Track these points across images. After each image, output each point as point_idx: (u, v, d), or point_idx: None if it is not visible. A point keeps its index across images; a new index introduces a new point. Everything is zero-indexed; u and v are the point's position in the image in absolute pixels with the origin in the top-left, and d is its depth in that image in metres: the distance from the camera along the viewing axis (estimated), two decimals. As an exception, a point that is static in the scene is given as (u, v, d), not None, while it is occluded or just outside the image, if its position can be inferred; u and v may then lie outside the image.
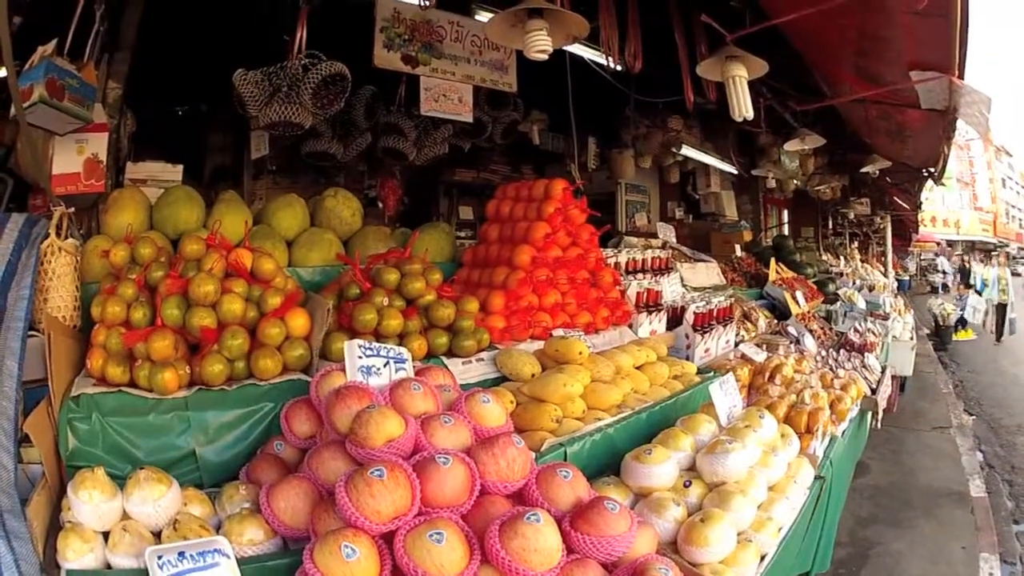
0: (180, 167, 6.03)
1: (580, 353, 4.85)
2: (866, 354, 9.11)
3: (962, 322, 23.78)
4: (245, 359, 4.09)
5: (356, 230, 5.97)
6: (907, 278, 45.98)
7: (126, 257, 4.34)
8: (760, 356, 6.84)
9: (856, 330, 10.17)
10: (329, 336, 4.45)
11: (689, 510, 3.87)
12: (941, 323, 23.11)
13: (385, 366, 3.71)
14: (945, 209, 63.30)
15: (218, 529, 3.10)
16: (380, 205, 11.11)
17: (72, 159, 4.98)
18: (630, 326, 6.41)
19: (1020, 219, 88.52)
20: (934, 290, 45.37)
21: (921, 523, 7.89)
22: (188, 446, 3.75)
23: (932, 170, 14.42)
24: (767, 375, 6.55)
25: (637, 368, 5.40)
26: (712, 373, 6.07)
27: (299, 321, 4.30)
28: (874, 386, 8.14)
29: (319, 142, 8.55)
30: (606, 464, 4.32)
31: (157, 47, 6.90)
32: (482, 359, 5.00)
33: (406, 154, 9.03)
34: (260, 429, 3.95)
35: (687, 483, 4.06)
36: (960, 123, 8.74)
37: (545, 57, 5.15)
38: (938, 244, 59.94)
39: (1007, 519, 8.43)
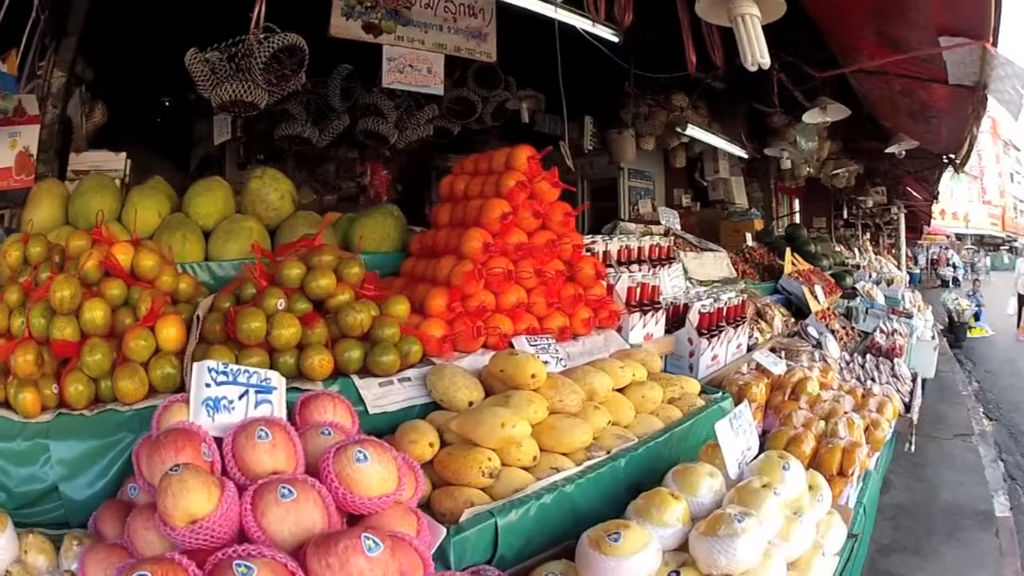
0: (123, 155, 5.71)
1: (533, 376, 3.64)
2: (895, 360, 8.28)
3: (976, 317, 23.35)
4: (111, 378, 3.43)
5: (285, 216, 5.11)
6: (917, 271, 46.27)
7: (19, 258, 3.96)
8: (779, 367, 5.75)
9: (882, 331, 9.41)
10: (212, 350, 3.52)
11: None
12: (956, 319, 22.58)
13: (242, 398, 2.86)
14: (954, 202, 65.12)
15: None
16: (370, 193, 10.93)
17: (5, 153, 4.93)
18: (619, 330, 5.29)
19: None
20: (944, 284, 45.42)
21: (944, 549, 7.07)
22: (50, 479, 3.21)
23: (953, 156, 13.83)
24: (787, 392, 5.43)
25: (619, 390, 4.19)
26: (720, 393, 4.85)
27: (170, 331, 3.49)
28: (906, 399, 7.26)
29: (292, 126, 8.59)
30: (563, 535, 3.20)
31: (136, 35, 7.32)
32: (408, 379, 3.88)
33: (387, 137, 9.04)
34: (120, 464, 3.24)
35: (674, 574, 2.86)
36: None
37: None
38: (947, 237, 60.75)
39: None
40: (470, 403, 3.58)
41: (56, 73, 5.36)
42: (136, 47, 7.56)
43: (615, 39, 7.64)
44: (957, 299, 23.25)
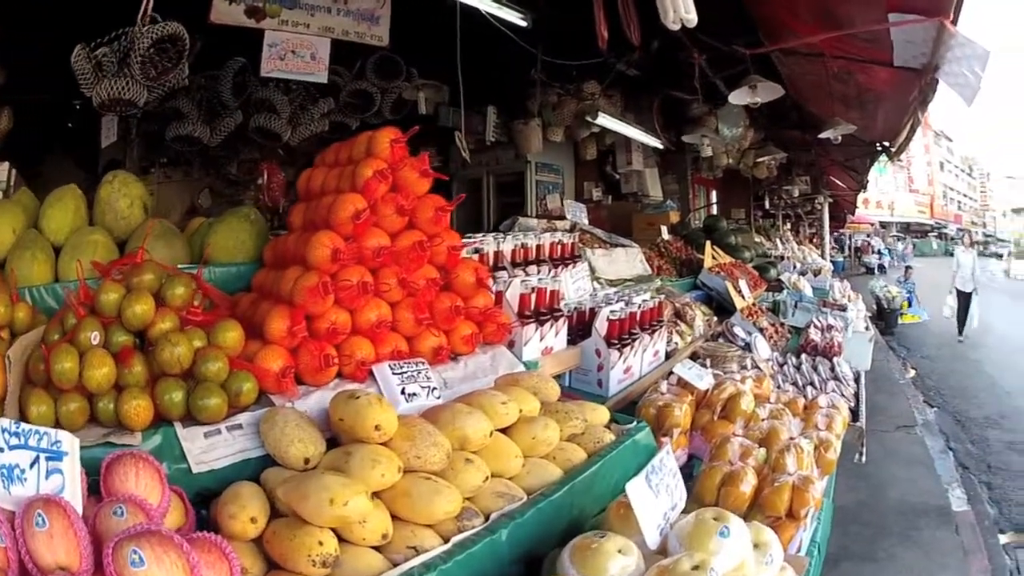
0: (5, 164, 5.48)
1: (378, 428, 2.77)
2: (834, 359, 7.70)
3: (908, 304, 23.80)
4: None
5: (136, 226, 4.33)
6: (841, 259, 47.42)
7: None
8: (704, 381, 4.93)
9: (816, 326, 8.87)
10: (32, 395, 2.89)
11: None
12: (886, 306, 23.10)
13: (33, 466, 2.27)
14: (878, 191, 67.93)
15: None
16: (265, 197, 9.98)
17: None
18: (511, 345, 4.46)
19: (959, 201, 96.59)
20: (869, 271, 47.12)
21: (900, 552, 7.00)
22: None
23: (888, 144, 13.79)
24: (717, 410, 4.65)
25: (502, 431, 3.29)
26: (634, 423, 3.97)
27: (-16, 377, 2.96)
28: (851, 403, 6.62)
29: (183, 125, 8.36)
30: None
31: (44, 35, 6.93)
32: (239, 426, 3.06)
33: (279, 134, 8.74)
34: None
35: None
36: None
37: None
38: (872, 225, 62.66)
39: (991, 529, 7.85)
40: (306, 460, 2.77)
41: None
42: (46, 48, 7.05)
43: (523, 23, 7.57)
44: (886, 286, 23.77)
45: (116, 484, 2.36)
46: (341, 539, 2.47)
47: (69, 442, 2.32)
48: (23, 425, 2.29)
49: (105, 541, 2.06)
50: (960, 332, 21.02)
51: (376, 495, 2.58)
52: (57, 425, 2.71)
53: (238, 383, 3.05)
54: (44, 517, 2.06)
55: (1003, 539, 7.69)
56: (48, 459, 2.26)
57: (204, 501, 2.71)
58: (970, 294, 21.29)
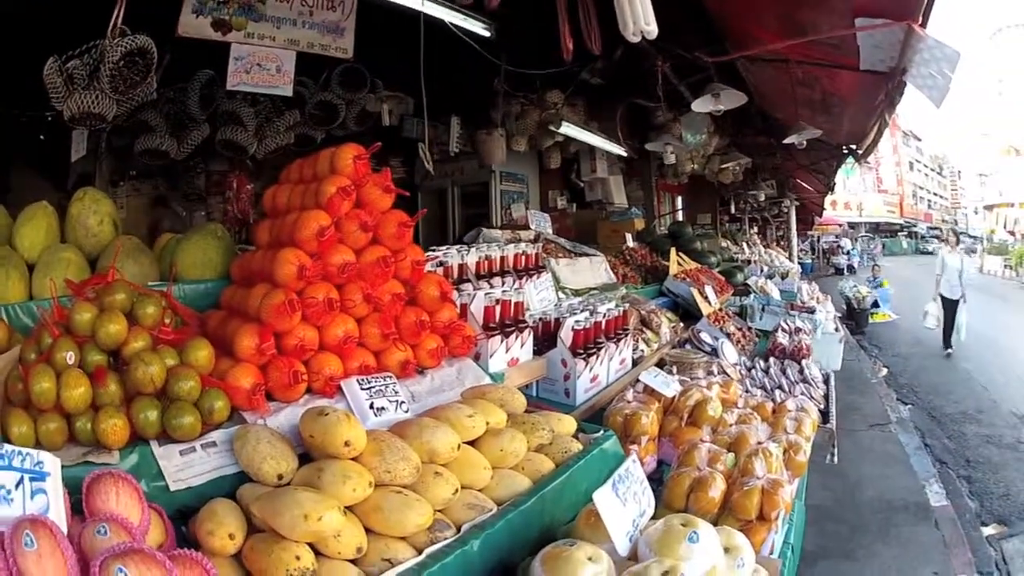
0: None
1: (347, 444, 2.78)
2: (803, 362, 7.58)
3: (876, 304, 23.64)
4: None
5: (106, 243, 4.27)
6: (809, 261, 47.49)
7: None
8: (671, 388, 4.84)
9: (784, 329, 8.68)
10: (12, 415, 2.85)
11: None
12: (856, 306, 23.10)
13: (18, 486, 2.22)
14: (847, 192, 68.24)
15: None
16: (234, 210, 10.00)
17: None
18: (477, 358, 4.43)
19: (929, 200, 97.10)
20: (838, 272, 47.29)
21: (880, 549, 7.02)
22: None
23: (855, 147, 13.66)
24: (684, 417, 4.61)
25: (470, 443, 3.28)
26: (601, 432, 3.93)
27: (-45, 399, 2.91)
28: (821, 405, 6.49)
29: (151, 138, 8.21)
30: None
31: (15, 46, 6.82)
32: (213, 444, 3.03)
33: (245, 147, 8.63)
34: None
35: None
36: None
37: None
38: (840, 226, 62.73)
39: (972, 522, 7.97)
40: (279, 476, 2.77)
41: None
42: (18, 58, 6.88)
43: (487, 34, 7.65)
44: (855, 286, 23.79)
45: (98, 503, 2.35)
46: (317, 553, 2.48)
47: (51, 462, 2.30)
48: (6, 446, 2.26)
49: (91, 560, 2.06)
50: (946, 344, 18.94)
51: (349, 509, 2.60)
52: (38, 444, 2.73)
53: (210, 401, 3.03)
54: (32, 537, 2.04)
55: (987, 531, 7.79)
56: (32, 479, 2.24)
57: (184, 517, 2.69)
58: (956, 301, 19.23)
